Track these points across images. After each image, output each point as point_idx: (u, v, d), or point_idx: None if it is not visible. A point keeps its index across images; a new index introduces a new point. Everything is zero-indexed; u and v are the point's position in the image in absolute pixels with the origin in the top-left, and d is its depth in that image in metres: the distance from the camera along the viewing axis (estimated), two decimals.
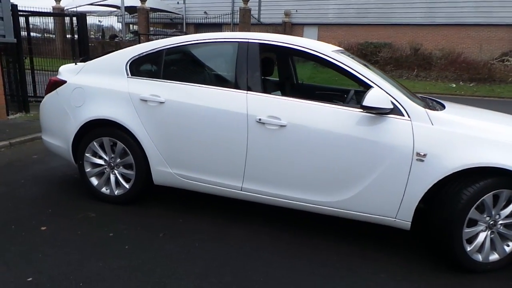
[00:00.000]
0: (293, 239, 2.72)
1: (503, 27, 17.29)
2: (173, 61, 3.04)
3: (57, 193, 3.36)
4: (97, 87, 3.06)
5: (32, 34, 8.03)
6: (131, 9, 21.61)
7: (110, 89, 3.01)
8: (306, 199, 2.62)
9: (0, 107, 5.92)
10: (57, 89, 3.22)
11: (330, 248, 2.61)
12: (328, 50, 2.67)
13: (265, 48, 2.82)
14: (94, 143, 3.08)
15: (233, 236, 2.72)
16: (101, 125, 3.05)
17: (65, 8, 19.82)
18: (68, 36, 18.81)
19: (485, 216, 2.30)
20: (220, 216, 3.02)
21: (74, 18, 7.95)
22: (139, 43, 16.15)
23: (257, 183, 2.72)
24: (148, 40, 17.65)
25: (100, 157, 3.14)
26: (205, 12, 23.68)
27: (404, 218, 2.44)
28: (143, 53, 3.02)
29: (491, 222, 2.33)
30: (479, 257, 2.35)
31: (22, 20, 6.96)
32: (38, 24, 9.77)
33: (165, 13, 23.35)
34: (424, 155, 2.30)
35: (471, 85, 14.19)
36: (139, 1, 18.33)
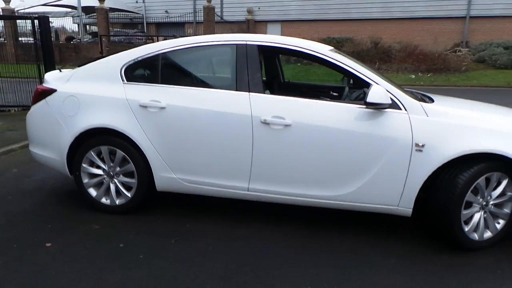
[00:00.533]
0: (301, 234, 2.82)
1: (453, 19, 18.44)
2: (171, 65, 3.02)
3: (52, 206, 3.23)
4: (91, 95, 2.97)
5: None
6: (87, 9, 20.75)
7: (106, 96, 2.94)
8: (313, 194, 2.73)
9: None
10: (46, 98, 3.09)
11: (337, 240, 2.73)
12: (325, 50, 2.78)
13: (263, 49, 2.87)
14: (92, 152, 3.00)
15: (244, 237, 2.77)
16: (99, 134, 2.97)
17: (16, 10, 18.64)
18: (21, 39, 17.80)
19: (478, 198, 2.52)
20: (226, 217, 3.06)
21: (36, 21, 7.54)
22: (101, 44, 15.58)
23: (264, 183, 2.78)
24: (109, 41, 17.06)
25: (98, 167, 3.06)
26: (166, 11, 23.22)
27: (405, 205, 2.61)
28: (138, 57, 2.97)
29: (484, 203, 2.55)
30: (475, 236, 2.57)
31: None
32: None
33: (124, 13, 22.61)
34: (423, 146, 2.48)
35: (428, 75, 15.06)
36: (97, 1, 17.62)
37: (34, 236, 2.71)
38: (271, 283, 2.23)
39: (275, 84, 4.12)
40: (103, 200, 3.10)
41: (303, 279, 2.27)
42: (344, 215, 3.07)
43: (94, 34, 22.10)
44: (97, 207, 3.11)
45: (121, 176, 3.04)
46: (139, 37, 19.24)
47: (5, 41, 17.31)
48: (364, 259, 2.49)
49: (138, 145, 2.88)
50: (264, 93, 2.76)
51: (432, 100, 2.84)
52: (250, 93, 2.74)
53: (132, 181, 3.00)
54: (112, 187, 3.07)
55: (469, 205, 2.52)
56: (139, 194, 3.01)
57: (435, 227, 2.64)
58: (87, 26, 25.27)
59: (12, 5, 17.93)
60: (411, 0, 18.67)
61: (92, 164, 3.07)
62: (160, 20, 23.20)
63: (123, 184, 3.05)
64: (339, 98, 3.69)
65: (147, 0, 23.67)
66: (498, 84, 13.53)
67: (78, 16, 19.91)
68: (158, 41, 16.55)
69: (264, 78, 4.10)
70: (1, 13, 17.17)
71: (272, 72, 4.15)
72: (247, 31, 20.84)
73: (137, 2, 23.94)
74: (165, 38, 18.95)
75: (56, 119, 3.04)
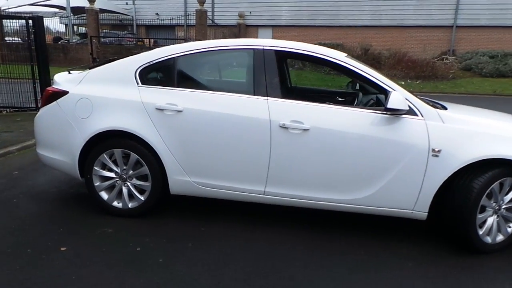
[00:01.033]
0: (317, 237, 2.84)
1: (441, 28, 18.94)
2: (187, 69, 3.01)
3: (60, 209, 3.17)
4: (105, 97, 2.94)
5: None
6: (76, 10, 20.44)
7: (120, 99, 2.91)
8: (329, 198, 2.75)
9: None
10: (58, 100, 3.03)
11: (355, 244, 2.76)
12: (342, 56, 2.83)
13: (280, 54, 2.90)
14: (105, 155, 2.96)
15: (260, 240, 2.77)
16: (112, 137, 2.93)
17: (2, 9, 18.22)
18: (8, 39, 17.35)
19: (492, 202, 2.60)
20: (240, 220, 3.06)
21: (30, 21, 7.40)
22: (91, 45, 15.34)
23: (280, 187, 2.80)
24: (100, 42, 16.83)
25: (110, 170, 3.02)
26: (157, 14, 23.09)
27: (421, 209, 2.66)
28: (153, 60, 2.95)
29: (497, 207, 2.63)
30: (489, 239, 2.64)
31: None
32: None
33: (113, 14, 22.36)
34: (439, 151, 2.54)
35: (417, 82, 15.39)
36: (87, 2, 17.38)
37: (47, 240, 2.65)
38: (293, 285, 2.24)
39: (283, 88, 4.14)
40: (115, 203, 3.06)
41: (327, 281, 2.29)
42: (356, 218, 3.11)
43: (82, 35, 21.78)
44: (109, 210, 3.06)
45: (134, 179, 3.00)
46: (130, 39, 19.05)
47: None
48: (382, 262, 2.53)
49: (153, 148, 2.85)
50: (282, 97, 2.78)
51: (444, 107, 2.91)
52: (268, 98, 2.76)
53: (146, 184, 2.97)
54: (124, 190, 3.02)
55: (483, 209, 2.59)
56: (152, 197, 2.98)
57: (450, 230, 2.70)
58: (75, 27, 24.87)
59: None
60: (399, 8, 19.09)
61: (104, 167, 3.02)
62: (150, 22, 23.04)
63: (135, 187, 3.02)
64: (348, 104, 3.74)
65: (137, 2, 23.51)
66: (484, 92, 13.93)
67: (66, 17, 19.56)
68: (149, 43, 16.38)
69: None
70: None
71: (281, 76, 4.16)
72: (239, 35, 20.90)
73: (127, 4, 23.73)
74: (155, 40, 18.86)
75: (68, 122, 2.99)
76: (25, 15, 7.65)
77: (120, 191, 3.04)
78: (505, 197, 2.61)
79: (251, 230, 2.91)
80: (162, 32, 23.17)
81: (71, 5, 19.25)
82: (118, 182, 3.03)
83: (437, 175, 2.56)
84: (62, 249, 2.55)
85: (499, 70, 15.78)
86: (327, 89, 4.21)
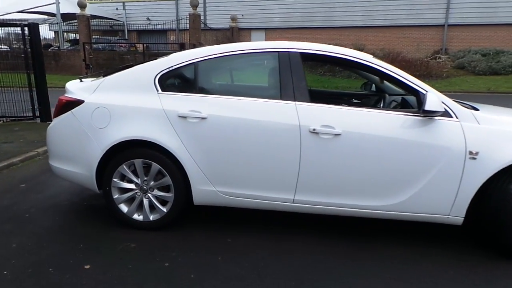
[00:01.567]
0: (348, 245, 2.75)
1: (433, 27, 19.12)
2: (209, 74, 2.91)
3: (76, 224, 3.02)
4: (123, 106, 2.81)
5: None
6: (66, 17, 20.15)
7: (140, 107, 2.78)
8: (362, 205, 2.66)
9: None
10: (73, 110, 2.89)
11: (388, 252, 2.67)
12: (370, 57, 2.75)
13: (306, 57, 2.81)
14: (124, 166, 2.82)
15: (291, 250, 2.67)
16: (132, 147, 2.81)
17: None
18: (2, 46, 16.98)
19: None
20: (267, 231, 2.95)
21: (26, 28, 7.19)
22: (84, 52, 15.13)
23: (310, 194, 2.70)
24: (92, 48, 16.59)
25: (130, 181, 2.88)
26: (148, 19, 22.90)
27: (457, 214, 2.59)
28: (173, 66, 2.84)
29: None
30: None
31: None
32: None
33: (104, 20, 22.11)
34: (476, 153, 2.47)
35: None
36: (78, 8, 17.12)
37: (69, 258, 2.50)
38: None
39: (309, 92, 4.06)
40: (135, 216, 2.92)
41: None
42: (381, 224, 3.03)
43: (73, 42, 21.47)
44: (129, 223, 2.93)
45: (155, 190, 2.87)
46: (123, 44, 18.81)
47: None
48: (422, 271, 2.44)
49: (177, 157, 2.73)
50: (311, 102, 2.68)
51: (476, 108, 2.85)
52: (297, 102, 2.67)
53: (168, 195, 2.84)
54: (145, 202, 2.89)
55: None
56: (175, 208, 2.85)
57: (488, 235, 2.63)
58: (65, 34, 24.52)
59: None
60: (392, 8, 19.24)
61: (123, 178, 2.89)
62: (141, 27, 22.85)
63: (157, 198, 2.89)
64: (371, 106, 3.66)
65: (128, 7, 23.30)
66: (478, 90, 14.09)
67: (56, 23, 19.24)
68: (142, 48, 16.16)
69: None
70: None
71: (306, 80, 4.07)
72: (232, 38, 20.82)
73: (117, 9, 23.49)
74: (147, 45, 18.63)
75: (84, 132, 2.85)
76: (17, 22, 7.45)
77: (141, 203, 2.91)
78: None
79: (281, 240, 2.80)
80: (154, 37, 23.00)
81: (61, 12, 18.95)
82: (139, 193, 2.90)
83: (474, 178, 2.48)
84: (86, 267, 2.41)
85: (492, 68, 15.97)
86: (347, 91, 4.13)
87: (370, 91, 4.03)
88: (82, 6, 17.07)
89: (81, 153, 2.90)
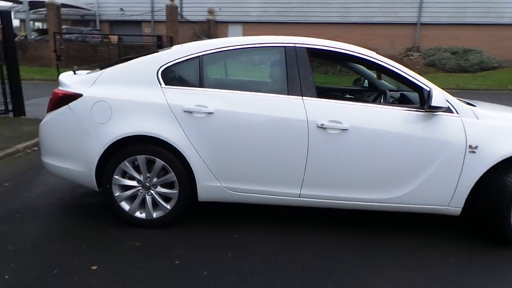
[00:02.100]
0: (354, 237, 2.81)
1: (406, 25, 19.71)
2: (215, 68, 2.86)
3: (73, 223, 2.90)
4: (125, 100, 2.71)
5: None
6: (33, 4, 19.13)
7: (143, 101, 2.70)
8: (367, 198, 2.72)
9: None
10: (70, 104, 2.76)
11: (395, 242, 2.75)
12: (373, 54, 2.80)
13: (312, 52, 2.82)
14: (126, 163, 2.73)
15: (297, 244, 2.69)
16: (134, 142, 2.72)
17: None
18: None
19: None
20: (272, 225, 2.95)
21: None
22: (55, 42, 14.45)
23: (316, 188, 2.73)
24: (62, 39, 15.86)
25: (132, 178, 2.80)
26: (121, 9, 22.15)
27: (456, 205, 2.70)
28: (177, 59, 2.76)
29: None
30: None
31: None
32: None
33: (74, 9, 21.17)
34: (476, 147, 2.58)
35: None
36: None
37: (73, 259, 2.40)
38: None
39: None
40: (137, 214, 2.84)
41: (384, 283, 2.25)
42: (388, 217, 3.11)
43: (41, 31, 20.43)
44: (131, 222, 2.84)
45: (158, 187, 2.80)
46: (95, 35, 18.10)
47: None
48: (427, 259, 2.53)
49: (182, 153, 2.67)
50: (318, 97, 2.70)
51: (472, 104, 2.97)
52: (304, 97, 2.67)
53: (172, 192, 2.78)
54: (148, 199, 2.82)
55: None
56: (179, 205, 2.80)
57: (484, 224, 2.76)
58: (31, 22, 23.28)
59: None
60: (367, 6, 19.63)
61: (124, 175, 2.80)
62: (114, 18, 22.07)
63: (160, 195, 2.82)
64: (372, 102, 3.72)
65: None
66: (448, 86, 14.66)
67: (24, 11, 18.22)
68: (117, 40, 15.63)
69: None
70: None
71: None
72: (208, 31, 20.55)
73: None
74: (119, 36, 17.97)
75: (83, 127, 2.73)
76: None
77: (143, 200, 2.83)
78: None
79: (287, 235, 2.82)
80: (128, 28, 22.28)
81: None
82: (141, 190, 2.82)
83: (473, 171, 2.60)
84: (93, 267, 2.32)
85: (460, 66, 16.69)
86: (344, 87, 4.18)
87: (362, 87, 4.11)
88: None
89: (79, 150, 2.78)
